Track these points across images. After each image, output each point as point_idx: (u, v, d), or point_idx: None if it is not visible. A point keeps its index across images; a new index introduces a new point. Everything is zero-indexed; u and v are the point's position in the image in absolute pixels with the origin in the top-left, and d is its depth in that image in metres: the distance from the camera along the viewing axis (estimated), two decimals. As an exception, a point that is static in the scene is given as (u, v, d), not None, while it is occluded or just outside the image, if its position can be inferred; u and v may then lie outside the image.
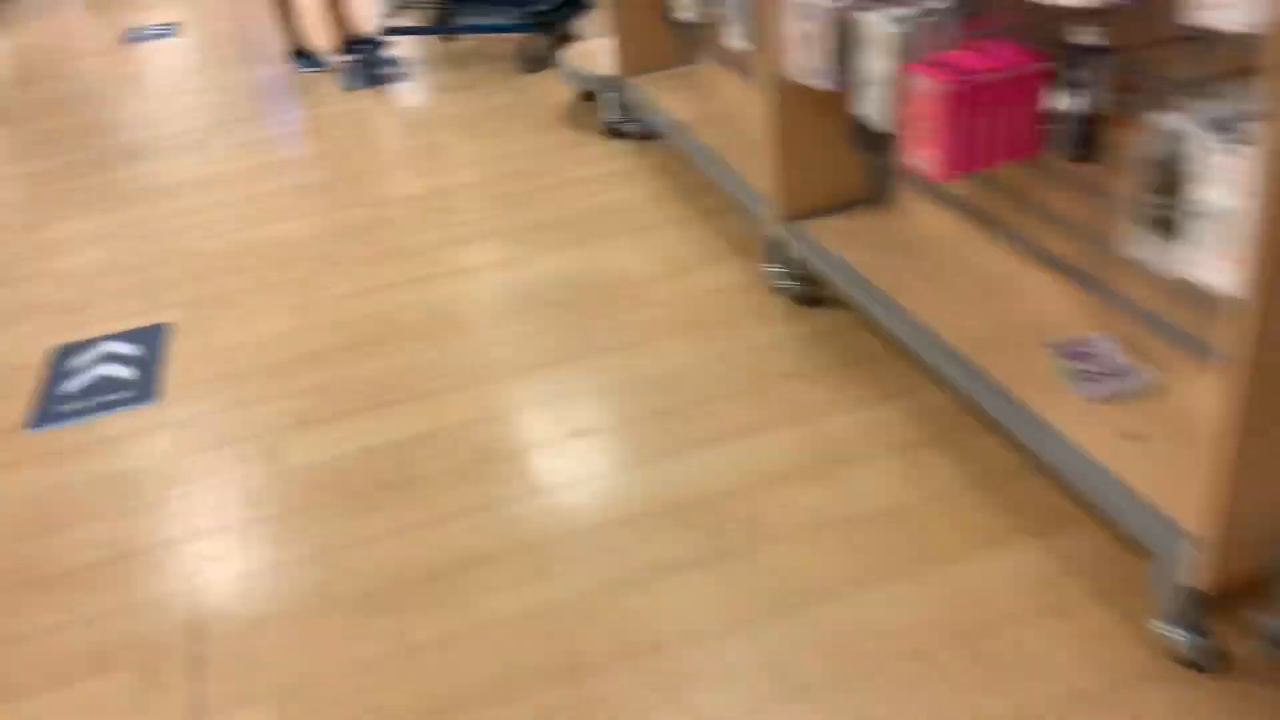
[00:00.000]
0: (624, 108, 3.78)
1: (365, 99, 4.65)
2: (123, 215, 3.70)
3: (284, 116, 4.51)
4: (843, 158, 2.58)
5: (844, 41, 2.16)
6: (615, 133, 3.83)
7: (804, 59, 2.29)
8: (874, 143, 2.41)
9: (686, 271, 2.89)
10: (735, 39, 2.69)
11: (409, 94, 4.69)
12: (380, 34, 5.08)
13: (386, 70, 4.90)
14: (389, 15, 5.11)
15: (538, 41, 4.73)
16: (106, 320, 3.00)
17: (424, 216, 3.41)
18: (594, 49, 4.07)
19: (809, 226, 2.56)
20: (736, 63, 3.37)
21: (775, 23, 2.37)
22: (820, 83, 2.27)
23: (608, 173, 3.58)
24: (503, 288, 2.93)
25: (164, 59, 5.77)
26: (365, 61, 5.00)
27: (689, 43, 3.73)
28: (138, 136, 4.52)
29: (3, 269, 3.40)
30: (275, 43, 5.41)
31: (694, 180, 3.42)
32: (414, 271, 3.07)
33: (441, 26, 5.07)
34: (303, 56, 5.13)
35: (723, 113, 3.35)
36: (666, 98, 3.50)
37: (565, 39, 4.74)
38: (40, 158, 4.41)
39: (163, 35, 6.20)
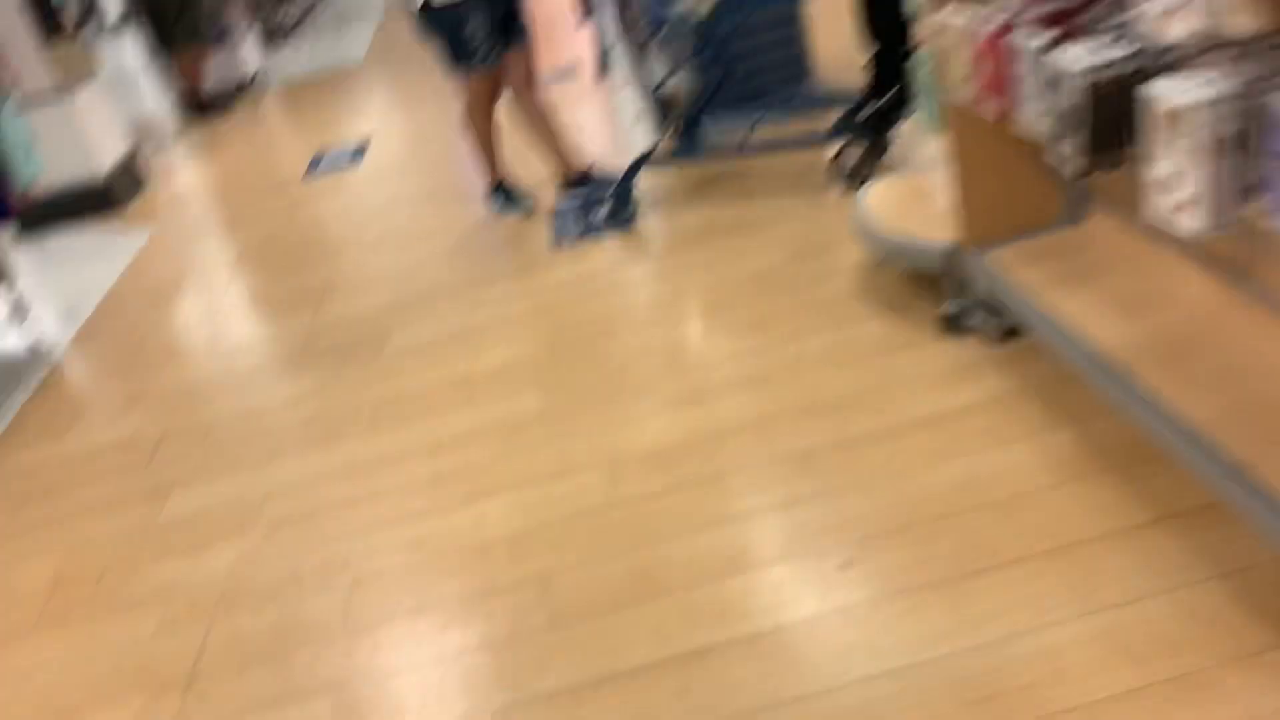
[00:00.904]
0: (972, 290, 2.48)
1: (584, 258, 3.55)
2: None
3: (479, 293, 3.47)
4: None
5: None
6: (957, 327, 2.53)
7: None
8: None
9: (1166, 663, 1.56)
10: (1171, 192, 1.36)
11: (642, 247, 3.56)
12: (608, 172, 3.98)
13: (615, 214, 3.78)
14: (646, 141, 3.97)
15: (851, 150, 3.50)
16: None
17: (683, 501, 2.20)
18: (912, 191, 2.80)
19: None
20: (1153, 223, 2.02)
21: None
22: None
23: (960, 408, 2.28)
24: (855, 699, 1.68)
25: (344, 201, 4.93)
26: (585, 204, 3.91)
27: (1078, 194, 2.40)
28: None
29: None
30: (470, 171, 4.45)
31: (1115, 431, 2.07)
32: (684, 639, 1.87)
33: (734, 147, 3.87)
34: (503, 193, 4.12)
35: (1179, 329, 2.00)
36: (1057, 293, 2.18)
37: (882, 147, 3.49)
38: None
39: (347, 160, 5.41)
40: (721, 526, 2.10)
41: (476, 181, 4.20)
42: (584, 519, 2.22)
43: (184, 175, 5.94)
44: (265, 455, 2.76)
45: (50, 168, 4.84)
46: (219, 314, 3.87)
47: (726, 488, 2.22)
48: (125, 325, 3.93)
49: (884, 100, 3.46)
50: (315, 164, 5.47)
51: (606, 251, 3.56)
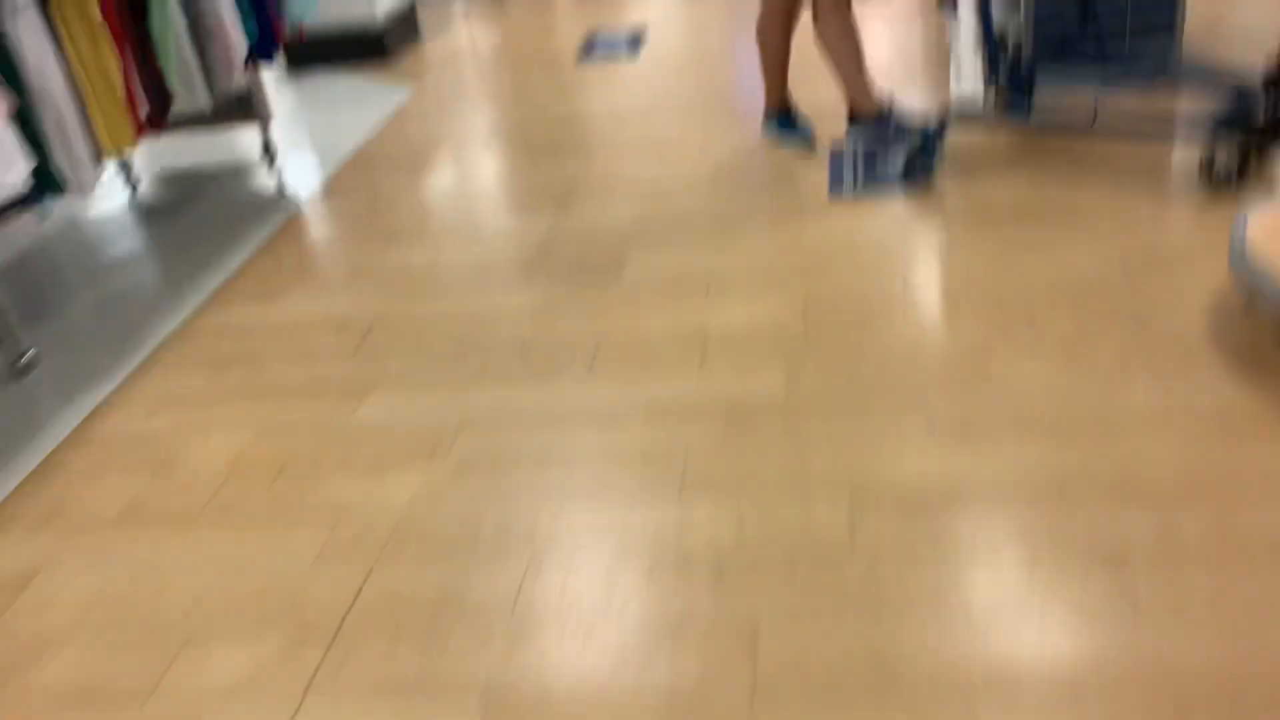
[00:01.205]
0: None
1: (862, 215, 3.06)
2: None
3: (733, 232, 3.05)
4: None
5: None
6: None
7: None
8: None
9: None
10: None
11: (934, 216, 3.02)
12: (909, 115, 3.45)
13: (911, 168, 3.24)
14: (970, 86, 3.42)
15: (1229, 148, 2.85)
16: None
17: (938, 574, 1.76)
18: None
19: None
20: None
21: None
22: None
23: (1339, 541, 1.70)
24: None
25: (609, 93, 4.58)
26: (874, 150, 3.39)
27: None
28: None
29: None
30: (752, 85, 4.00)
31: None
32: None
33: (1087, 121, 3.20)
34: (783, 120, 3.64)
35: None
36: None
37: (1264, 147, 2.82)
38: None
39: (623, 48, 5.03)
40: (982, 625, 1.65)
41: (757, 98, 3.74)
42: (809, 560, 1.81)
43: (460, 37, 5.77)
44: (472, 374, 2.50)
45: (326, 6, 4.74)
46: (462, 195, 3.65)
47: (995, 569, 1.75)
48: (369, 186, 3.77)
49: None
50: (590, 48, 5.14)
51: (890, 212, 3.05)
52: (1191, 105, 2.89)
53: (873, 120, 3.47)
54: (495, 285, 2.95)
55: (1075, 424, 2.06)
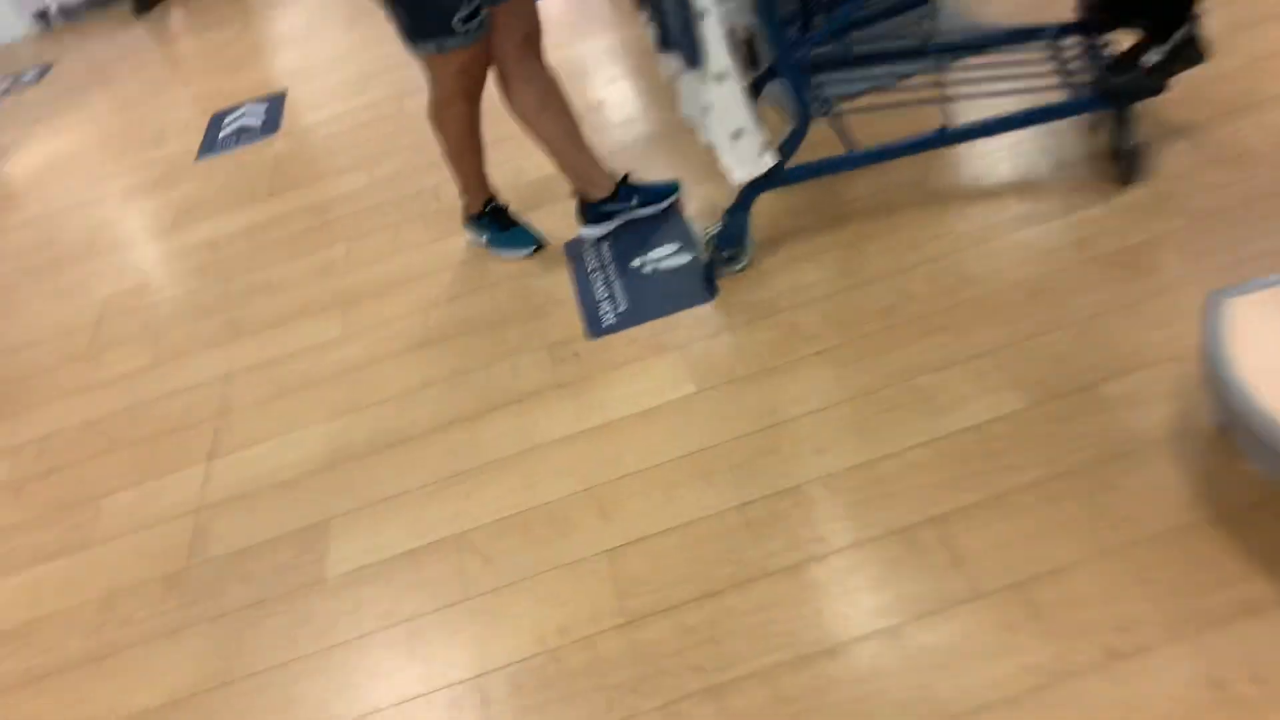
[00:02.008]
0: None
1: (641, 373, 2.15)
2: None
3: (470, 440, 2.07)
4: None
5: None
6: None
7: None
8: None
9: None
10: None
11: (770, 342, 2.15)
12: (653, 186, 2.54)
13: (711, 266, 2.35)
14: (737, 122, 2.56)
15: (1117, 124, 2.14)
16: None
17: None
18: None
19: None
20: None
21: None
22: None
23: None
24: None
25: (248, 214, 3.41)
26: (629, 243, 2.46)
27: None
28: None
29: None
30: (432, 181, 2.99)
31: None
32: None
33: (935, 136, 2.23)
34: (492, 222, 2.66)
35: None
36: None
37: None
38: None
39: (258, 126, 3.83)
40: None
41: (457, 200, 2.74)
42: None
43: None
44: None
45: None
46: None
47: None
48: None
49: (1174, 39, 2.05)
50: (214, 134, 3.91)
51: (675, 358, 2.15)
52: (1014, 78, 2.17)
53: (609, 199, 2.56)
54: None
55: None
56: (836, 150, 2.21)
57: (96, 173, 3.93)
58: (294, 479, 2.14)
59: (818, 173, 2.21)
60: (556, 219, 2.70)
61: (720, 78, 1.97)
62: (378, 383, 2.34)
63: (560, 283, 2.48)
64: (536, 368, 2.23)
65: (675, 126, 2.98)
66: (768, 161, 2.07)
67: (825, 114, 2.24)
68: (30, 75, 5.52)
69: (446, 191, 2.99)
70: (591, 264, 2.52)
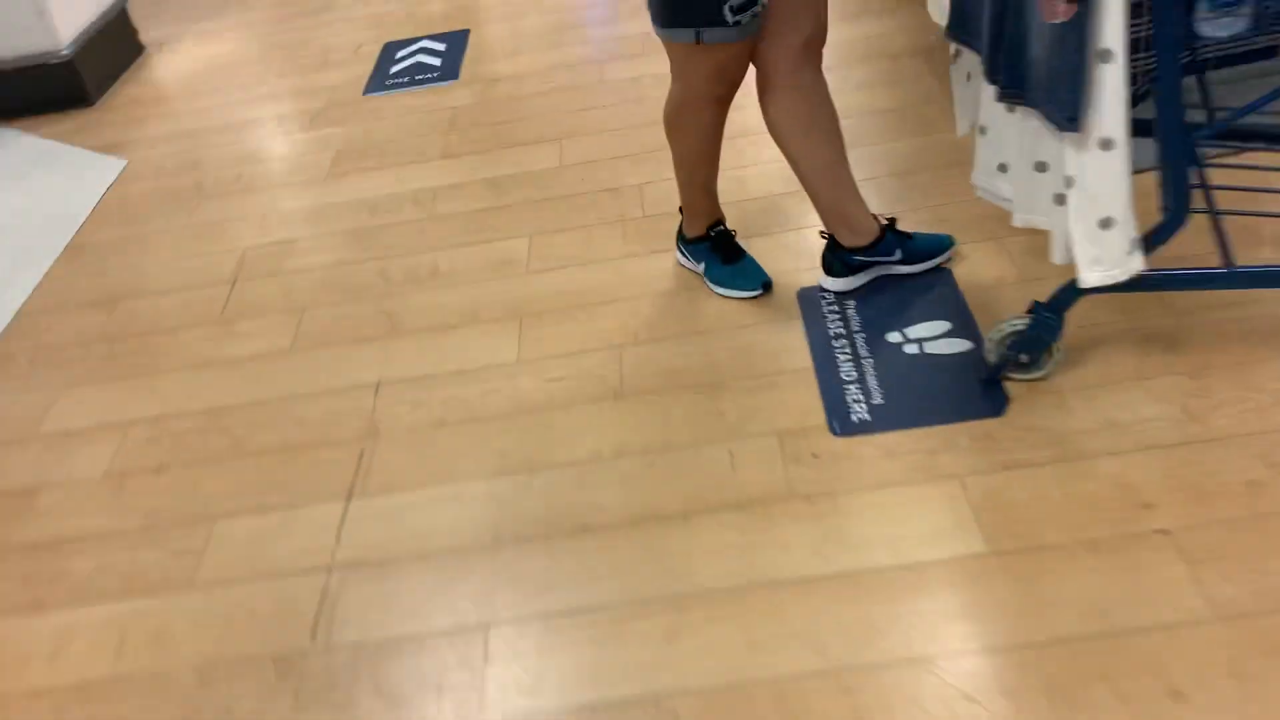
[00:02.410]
0: None
1: (926, 484, 1.67)
2: None
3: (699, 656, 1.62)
4: None
5: None
6: None
7: None
8: None
9: None
10: None
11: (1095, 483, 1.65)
12: (927, 242, 2.04)
13: (1003, 362, 1.84)
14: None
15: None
16: None
17: None
18: None
19: None
20: None
21: None
22: None
23: None
24: None
25: (426, 177, 2.99)
26: (880, 313, 1.96)
27: None
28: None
29: None
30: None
31: None
32: None
33: None
34: (714, 252, 2.18)
35: None
36: None
37: None
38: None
39: (435, 69, 3.40)
40: None
41: (670, 195, 2.28)
42: None
43: (199, 50, 3.98)
44: None
45: None
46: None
47: None
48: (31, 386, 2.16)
49: None
50: (385, 66, 3.49)
51: (983, 490, 1.65)
52: None
53: (865, 251, 2.06)
54: None
55: None
56: (1198, 249, 1.67)
57: (253, 90, 3.56)
58: (448, 552, 1.72)
59: (1183, 285, 1.68)
60: (786, 255, 2.22)
61: (1106, 145, 1.45)
62: (558, 436, 1.90)
63: (793, 344, 2.00)
64: (762, 462, 1.76)
65: (943, 157, 2.45)
66: (1136, 265, 1.54)
67: (1205, 212, 1.69)
68: (197, -38, 5.18)
69: (655, 196, 2.53)
70: (834, 326, 2.03)
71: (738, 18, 1.73)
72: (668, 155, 2.08)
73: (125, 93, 3.70)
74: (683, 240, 2.22)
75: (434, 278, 2.41)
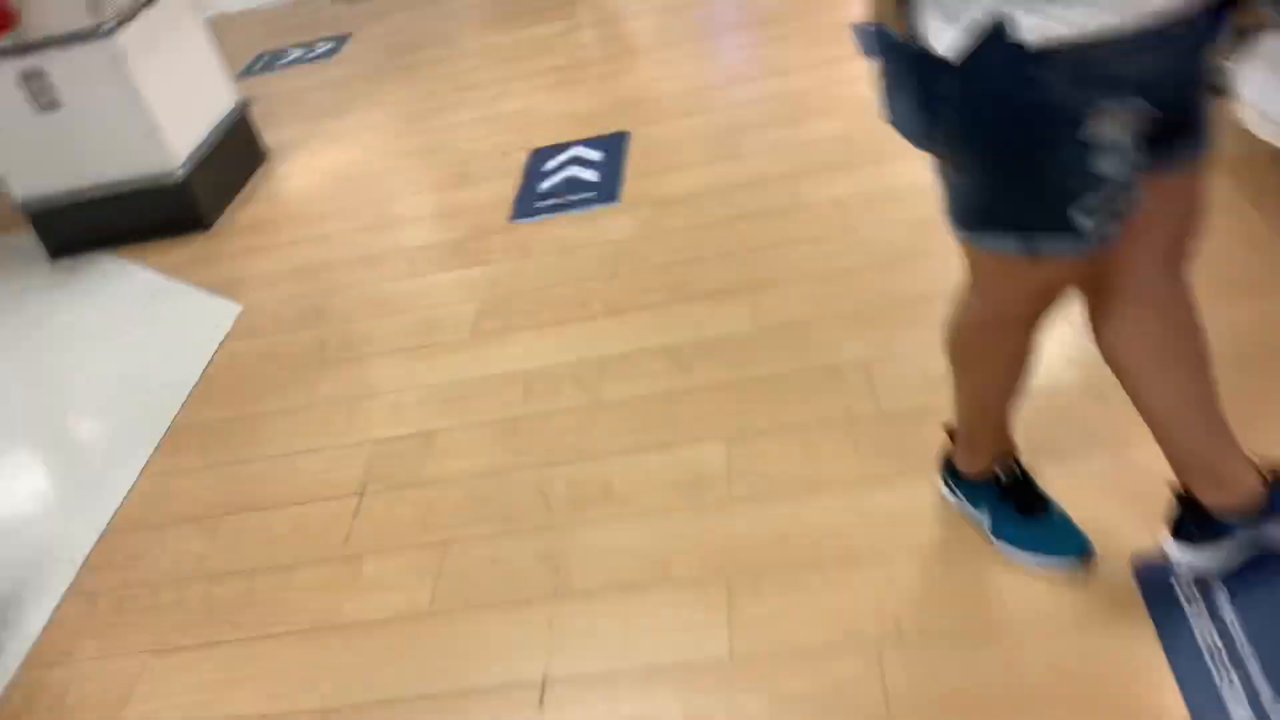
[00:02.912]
0: None
1: None
2: None
3: None
4: None
5: None
6: None
7: None
8: None
9: None
10: None
11: None
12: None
13: None
14: None
15: None
16: None
17: None
18: None
19: None
20: None
21: None
22: None
23: None
24: None
25: (584, 342, 2.46)
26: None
27: None
28: None
29: None
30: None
31: None
32: None
33: None
34: (1012, 501, 1.56)
35: None
36: None
37: None
38: None
39: (591, 189, 2.88)
40: None
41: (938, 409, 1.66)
42: None
43: (317, 161, 3.57)
44: None
45: (79, 151, 2.62)
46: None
47: None
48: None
49: None
50: (533, 181, 2.99)
51: None
52: None
53: (1237, 514, 1.41)
54: None
55: None
56: None
57: (384, 211, 3.11)
58: None
59: None
60: (1098, 494, 1.58)
61: None
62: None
63: (1144, 659, 1.36)
64: None
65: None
66: None
67: None
68: (325, 46, 4.85)
69: (890, 381, 1.92)
70: (1204, 632, 1.38)
71: (1091, 221, 1.12)
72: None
73: (245, 213, 3.31)
74: (953, 476, 1.61)
75: (606, 500, 1.86)
